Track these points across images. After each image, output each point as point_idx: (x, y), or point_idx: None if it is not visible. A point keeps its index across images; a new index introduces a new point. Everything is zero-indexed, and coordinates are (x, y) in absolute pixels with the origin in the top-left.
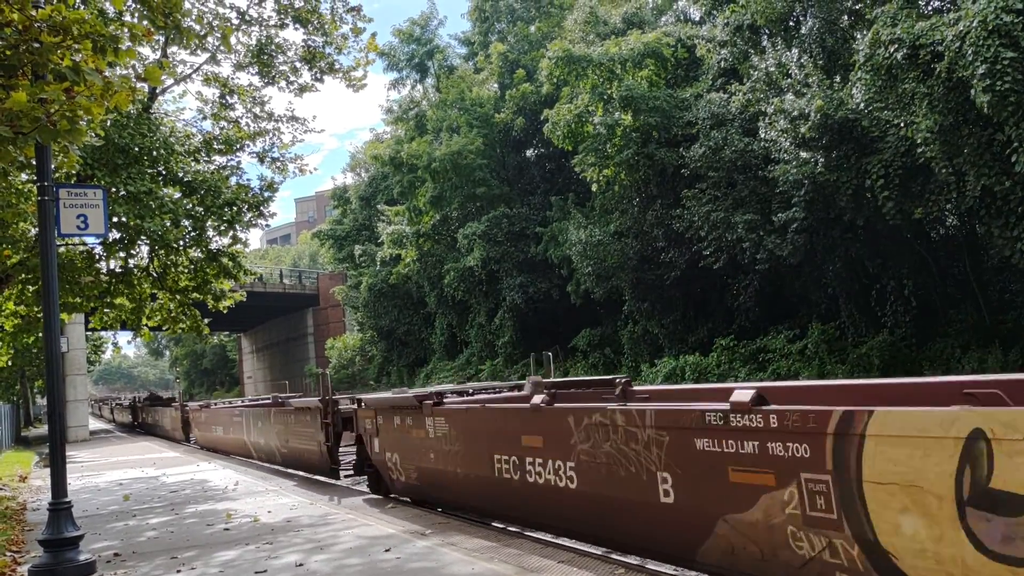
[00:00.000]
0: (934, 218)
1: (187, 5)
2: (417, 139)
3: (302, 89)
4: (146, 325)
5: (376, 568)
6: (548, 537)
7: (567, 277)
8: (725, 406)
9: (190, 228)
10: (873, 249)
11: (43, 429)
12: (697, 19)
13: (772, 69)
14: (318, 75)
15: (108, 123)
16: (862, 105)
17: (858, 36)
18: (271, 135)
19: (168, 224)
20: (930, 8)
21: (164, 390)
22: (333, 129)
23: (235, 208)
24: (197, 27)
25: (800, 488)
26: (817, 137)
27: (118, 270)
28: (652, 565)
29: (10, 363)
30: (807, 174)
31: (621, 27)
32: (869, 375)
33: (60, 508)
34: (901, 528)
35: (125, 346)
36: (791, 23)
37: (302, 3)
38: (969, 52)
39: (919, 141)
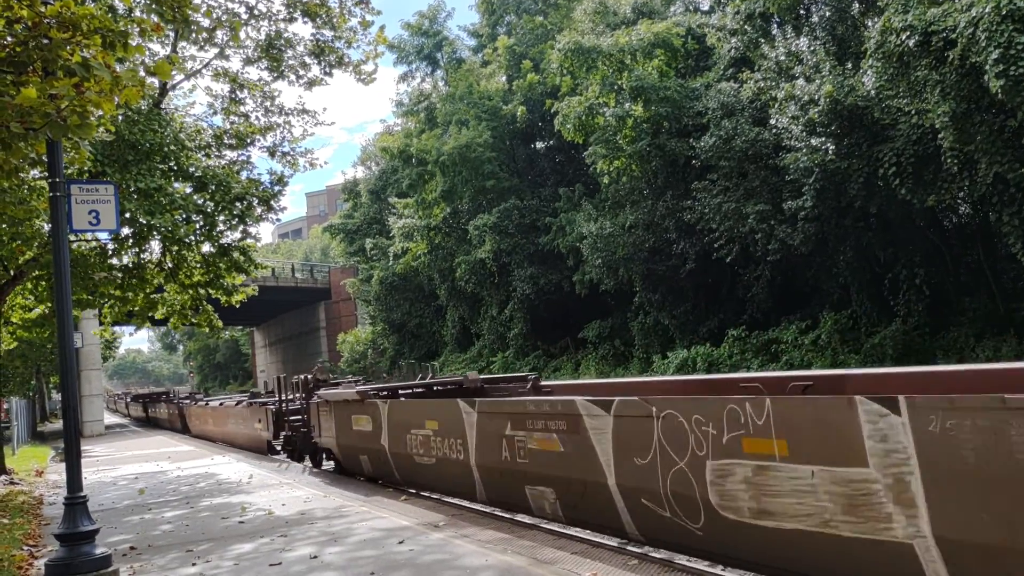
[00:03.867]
0: (946, 206)
1: (196, 0)
2: (427, 132)
3: (311, 83)
4: (151, 316)
5: (390, 560)
6: (560, 528)
7: (574, 267)
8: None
9: (201, 223)
10: (885, 238)
11: (59, 424)
12: (706, 8)
13: (783, 57)
14: (327, 69)
15: (119, 119)
16: (873, 92)
17: (869, 23)
18: (281, 129)
19: (179, 220)
20: None
21: (178, 384)
22: (343, 122)
23: (245, 203)
24: (206, 21)
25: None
26: (827, 123)
27: (130, 265)
28: (662, 555)
29: (22, 347)
30: (818, 162)
31: (631, 16)
32: (883, 364)
33: (75, 502)
34: None
35: (129, 340)
36: (802, 10)
37: None
38: (982, 38)
39: (938, 126)
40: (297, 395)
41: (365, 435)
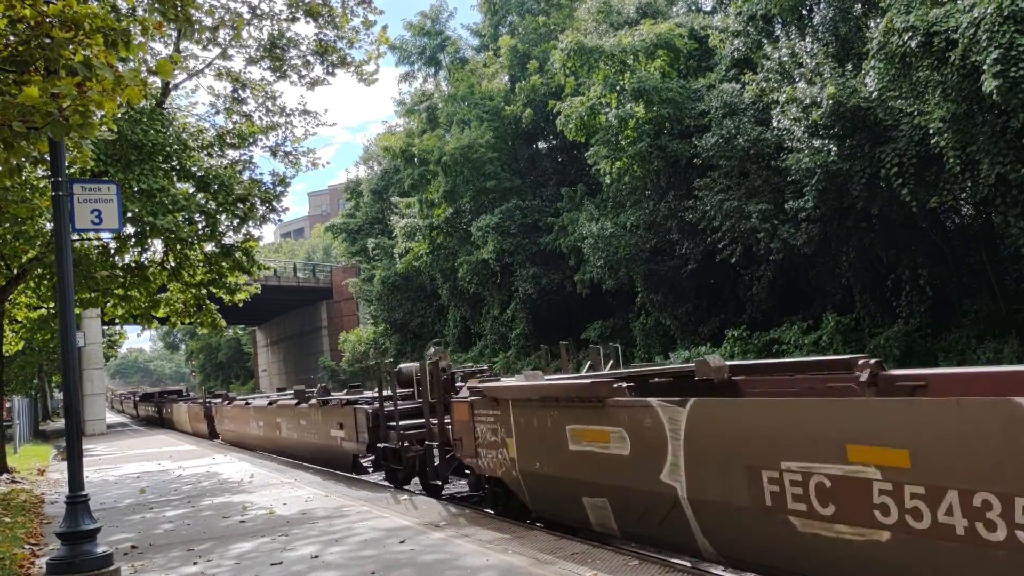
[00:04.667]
0: (949, 207)
1: None
2: (428, 133)
3: (314, 83)
4: (154, 316)
5: (391, 560)
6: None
7: (576, 267)
8: None
9: (203, 224)
10: (887, 239)
11: (61, 423)
12: (709, 9)
13: (785, 59)
14: (330, 69)
15: (121, 117)
16: (875, 94)
17: (871, 24)
18: (283, 129)
19: (181, 220)
20: None
21: (179, 383)
22: (345, 122)
23: (248, 203)
24: (208, 20)
25: None
26: (830, 125)
27: (132, 264)
28: (662, 555)
29: (25, 352)
30: (820, 163)
31: (634, 17)
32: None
33: (77, 501)
34: None
35: (135, 339)
36: (804, 11)
37: None
38: (983, 38)
39: (932, 131)
40: (401, 391)
41: (606, 462)
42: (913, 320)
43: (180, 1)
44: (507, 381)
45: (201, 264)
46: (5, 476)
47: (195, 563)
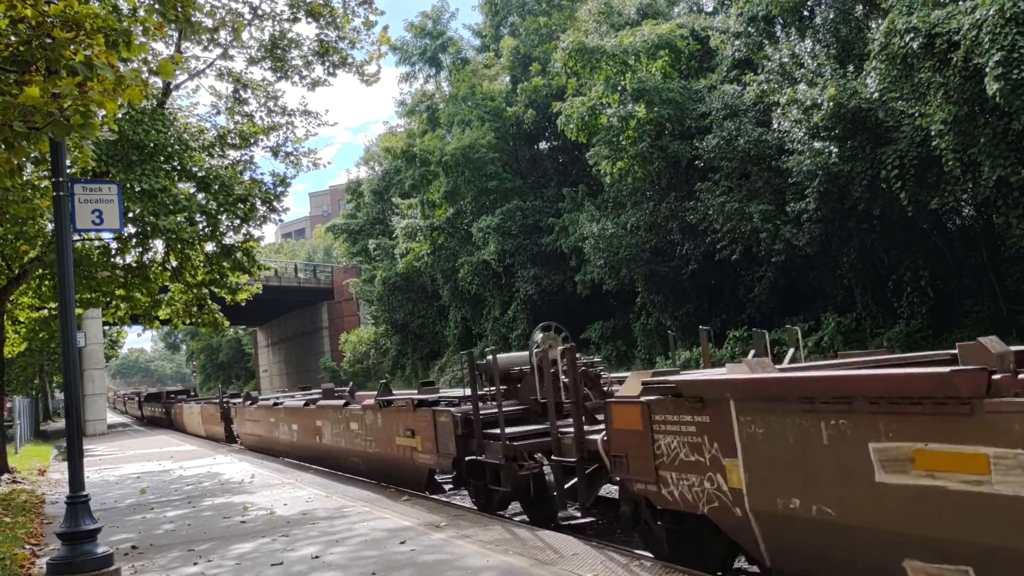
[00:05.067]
0: (950, 208)
1: (199, 0)
2: (429, 133)
3: (315, 83)
4: (156, 317)
5: (392, 560)
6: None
7: (577, 268)
8: None
9: (204, 224)
10: (889, 240)
11: (61, 423)
12: (710, 9)
13: (786, 60)
14: (331, 69)
15: (122, 118)
16: (876, 95)
17: (873, 25)
18: (285, 129)
19: (182, 220)
20: None
21: (179, 383)
22: (346, 122)
23: (248, 204)
24: (209, 21)
25: None
26: (831, 127)
27: (134, 264)
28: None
29: (26, 352)
30: (821, 164)
31: (635, 18)
32: None
33: (78, 501)
34: None
35: (136, 339)
36: (805, 13)
37: None
38: (986, 40)
39: (933, 132)
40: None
41: (977, 507)
42: (914, 321)
43: (181, 2)
44: (717, 372)
45: (202, 264)
46: (6, 476)
47: (195, 563)
